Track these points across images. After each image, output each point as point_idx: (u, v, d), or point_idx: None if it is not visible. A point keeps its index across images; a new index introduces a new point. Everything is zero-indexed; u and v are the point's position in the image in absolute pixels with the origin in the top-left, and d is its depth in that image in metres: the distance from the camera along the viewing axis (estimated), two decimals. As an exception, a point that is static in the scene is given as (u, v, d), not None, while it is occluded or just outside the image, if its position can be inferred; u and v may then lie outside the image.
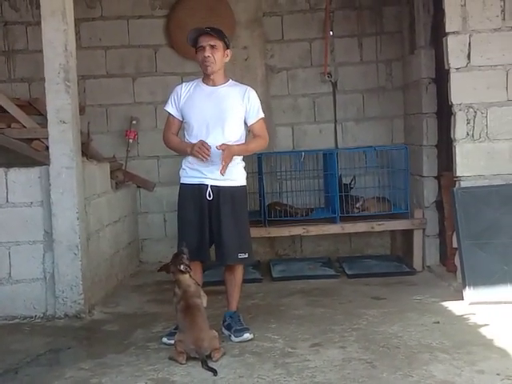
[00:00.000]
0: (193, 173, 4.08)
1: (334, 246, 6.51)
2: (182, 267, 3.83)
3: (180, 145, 4.16)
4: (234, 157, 4.06)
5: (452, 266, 5.16)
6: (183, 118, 4.15)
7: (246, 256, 4.11)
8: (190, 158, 4.08)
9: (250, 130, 4.22)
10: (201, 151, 3.95)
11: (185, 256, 3.88)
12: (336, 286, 5.33)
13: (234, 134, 4.07)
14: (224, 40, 4.11)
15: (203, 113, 4.05)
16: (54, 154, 4.55)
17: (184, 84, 4.22)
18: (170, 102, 4.17)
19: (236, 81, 4.28)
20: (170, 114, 4.18)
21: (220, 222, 4.04)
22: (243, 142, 4.15)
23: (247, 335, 3.97)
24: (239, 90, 4.13)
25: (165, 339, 3.97)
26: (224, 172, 3.97)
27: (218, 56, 4.06)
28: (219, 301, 4.63)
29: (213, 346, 3.64)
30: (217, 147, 3.95)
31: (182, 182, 4.18)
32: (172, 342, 3.77)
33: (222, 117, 4.04)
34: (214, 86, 4.13)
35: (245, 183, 4.19)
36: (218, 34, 4.09)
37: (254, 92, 4.18)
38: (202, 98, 4.09)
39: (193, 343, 3.59)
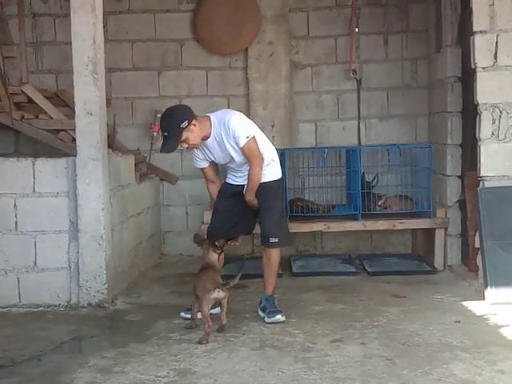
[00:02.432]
0: (232, 177, 4.55)
1: (354, 243, 6.52)
2: (217, 243, 4.20)
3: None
4: (267, 162, 4.38)
5: (474, 266, 5.14)
6: None
7: (276, 240, 4.38)
8: (229, 170, 4.53)
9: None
10: None
11: (222, 241, 4.21)
12: (356, 283, 5.34)
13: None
14: (183, 129, 4.14)
15: (217, 159, 4.42)
16: (81, 146, 4.61)
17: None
18: (194, 160, 4.46)
19: (212, 112, 4.36)
20: (200, 168, 4.50)
21: (260, 212, 4.41)
22: (264, 150, 4.37)
23: (279, 317, 4.19)
24: (223, 127, 4.24)
25: (182, 313, 4.29)
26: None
27: (191, 139, 4.22)
28: (239, 295, 4.70)
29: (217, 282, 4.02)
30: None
31: (225, 181, 4.62)
32: (188, 315, 4.17)
33: (229, 157, 4.33)
34: (208, 138, 4.28)
35: (275, 178, 4.45)
36: (175, 133, 4.14)
37: (232, 120, 4.24)
38: (208, 151, 4.37)
39: (200, 285, 4.01)
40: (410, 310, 4.46)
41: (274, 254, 4.39)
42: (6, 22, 5.65)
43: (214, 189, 4.53)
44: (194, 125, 4.18)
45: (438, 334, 3.92)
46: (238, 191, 4.42)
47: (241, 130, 4.22)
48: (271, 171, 4.42)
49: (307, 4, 6.52)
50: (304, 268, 5.92)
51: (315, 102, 6.59)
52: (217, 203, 4.55)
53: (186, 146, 4.24)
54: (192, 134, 4.18)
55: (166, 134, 4.19)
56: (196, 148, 4.34)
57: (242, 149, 4.23)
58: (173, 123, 4.16)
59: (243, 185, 4.40)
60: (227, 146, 4.26)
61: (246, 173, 4.36)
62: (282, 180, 4.57)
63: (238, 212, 4.45)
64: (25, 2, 5.93)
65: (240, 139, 4.20)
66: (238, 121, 4.25)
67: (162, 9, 6.50)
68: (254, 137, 4.25)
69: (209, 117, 4.28)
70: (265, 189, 4.37)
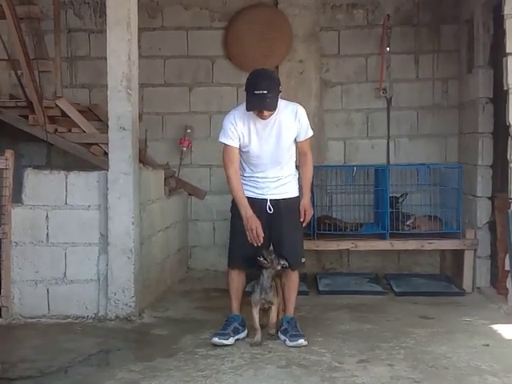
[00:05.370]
0: (250, 188, 4.24)
1: (381, 262, 6.48)
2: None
3: (240, 200, 4.11)
4: (290, 173, 4.28)
5: (503, 289, 5.09)
6: (242, 147, 4.17)
7: (304, 260, 4.34)
8: (246, 173, 4.24)
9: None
10: (252, 235, 4.06)
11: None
12: (383, 302, 5.31)
13: (289, 156, 4.25)
14: (280, 91, 4.05)
15: (262, 146, 4.13)
16: (113, 160, 4.66)
17: (236, 115, 4.13)
18: (227, 134, 4.11)
19: (282, 98, 4.17)
20: (230, 146, 4.13)
21: (283, 231, 4.22)
22: (294, 153, 4.27)
23: (301, 341, 4.08)
24: (290, 112, 4.15)
25: (215, 339, 4.10)
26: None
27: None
28: (265, 312, 4.67)
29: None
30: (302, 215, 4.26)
31: None
32: (224, 341, 4.07)
33: (279, 148, 4.16)
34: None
35: (298, 194, 4.35)
36: (276, 93, 4.00)
37: (302, 110, 4.21)
38: (260, 131, 4.11)
39: None
40: (438, 332, 4.42)
41: (295, 274, 4.33)
42: (42, 37, 5.76)
43: (239, 179, 4.15)
44: (280, 91, 4.08)
45: (466, 357, 3.87)
46: (258, 206, 4.17)
47: (309, 124, 4.22)
48: (296, 185, 4.33)
49: (338, 23, 6.56)
50: (330, 286, 5.89)
51: (344, 120, 6.61)
52: (239, 221, 4.14)
53: (267, 115, 4.04)
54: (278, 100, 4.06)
55: (265, 92, 3.93)
56: (242, 121, 4.08)
57: (304, 140, 4.20)
58: (274, 84, 4.02)
59: (265, 199, 4.20)
60: (277, 132, 4.08)
61: (268, 184, 4.19)
62: None
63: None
64: (61, 18, 6.06)
65: (309, 131, 4.21)
66: (306, 115, 4.23)
67: (194, 26, 6.59)
68: None
69: None
70: (292, 205, 4.25)
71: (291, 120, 4.14)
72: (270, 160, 4.17)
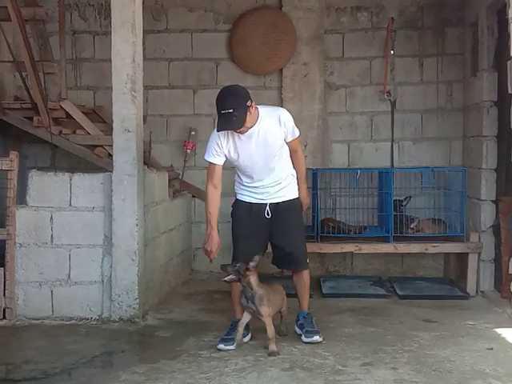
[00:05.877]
0: (251, 194, 4.28)
1: (385, 265, 6.48)
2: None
3: (208, 218, 4.20)
4: (287, 174, 4.30)
5: (507, 293, 5.08)
6: (231, 162, 4.19)
7: (308, 261, 4.42)
8: (244, 182, 4.26)
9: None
10: (205, 252, 4.21)
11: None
12: (387, 306, 5.30)
13: (279, 159, 4.24)
14: (248, 107, 3.96)
15: (252, 156, 4.12)
16: (118, 162, 4.67)
17: (220, 133, 4.06)
18: (212, 152, 4.12)
19: (261, 105, 4.17)
20: (213, 163, 4.14)
21: (287, 232, 4.26)
22: (287, 154, 4.28)
23: (317, 337, 4.18)
24: (274, 119, 4.12)
25: (221, 345, 4.09)
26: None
27: (248, 121, 4.00)
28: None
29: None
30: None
31: (238, 198, 4.34)
32: (229, 347, 4.07)
33: (269, 155, 4.15)
34: (250, 128, 4.08)
35: (297, 195, 4.39)
36: (242, 110, 3.92)
37: (285, 113, 4.19)
38: (246, 143, 4.09)
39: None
40: (442, 336, 4.41)
41: (306, 273, 4.39)
42: (47, 39, 5.78)
43: (216, 195, 4.18)
44: (252, 107, 4.00)
45: (470, 361, 3.87)
46: (257, 211, 4.24)
47: (294, 124, 4.21)
48: (296, 186, 4.36)
49: (343, 26, 6.57)
50: (334, 289, 5.89)
51: (348, 122, 6.61)
52: (239, 227, 4.27)
53: (241, 130, 4.00)
54: (250, 116, 3.98)
55: (231, 110, 3.88)
56: (227, 138, 4.06)
57: (293, 140, 4.20)
58: (240, 100, 3.94)
59: (264, 203, 4.23)
60: (263, 140, 4.05)
61: (268, 189, 4.21)
62: None
63: (260, 237, 4.25)
64: (66, 20, 6.07)
65: (295, 131, 4.21)
66: (290, 117, 4.20)
67: (199, 28, 6.60)
68: None
69: (257, 107, 4.09)
70: (292, 206, 4.30)
71: (276, 126, 4.12)
72: (264, 168, 4.18)
